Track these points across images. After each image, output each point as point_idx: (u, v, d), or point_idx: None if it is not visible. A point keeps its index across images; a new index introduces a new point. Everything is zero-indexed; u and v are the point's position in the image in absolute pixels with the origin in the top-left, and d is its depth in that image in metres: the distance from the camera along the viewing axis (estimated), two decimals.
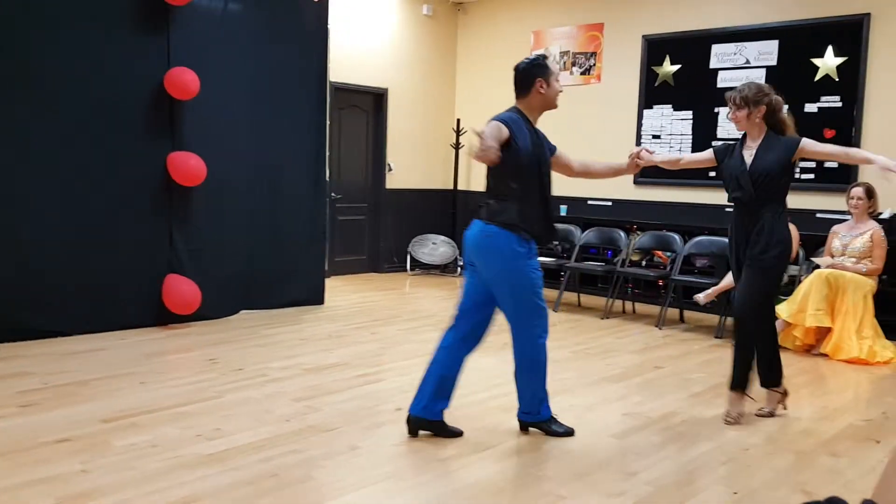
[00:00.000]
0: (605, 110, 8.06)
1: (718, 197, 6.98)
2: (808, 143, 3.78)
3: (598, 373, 4.82)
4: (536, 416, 3.59)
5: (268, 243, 6.36)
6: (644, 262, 7.29)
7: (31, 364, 4.51)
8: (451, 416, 3.83)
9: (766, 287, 3.83)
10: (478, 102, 9.28)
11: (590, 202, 8.19)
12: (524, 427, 3.62)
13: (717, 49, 7.27)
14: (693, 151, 7.39)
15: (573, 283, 7.60)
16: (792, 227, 5.99)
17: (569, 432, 3.60)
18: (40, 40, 5.00)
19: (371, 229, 8.97)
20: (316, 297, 6.76)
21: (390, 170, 8.96)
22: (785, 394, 4.06)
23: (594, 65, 8.21)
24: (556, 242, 7.78)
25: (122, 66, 5.37)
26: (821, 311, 5.44)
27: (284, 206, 6.45)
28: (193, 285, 5.66)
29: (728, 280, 5.70)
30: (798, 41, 6.79)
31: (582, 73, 8.31)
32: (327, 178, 7.17)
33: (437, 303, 7.23)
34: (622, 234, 7.24)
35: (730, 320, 4.23)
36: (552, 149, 3.63)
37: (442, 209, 9.44)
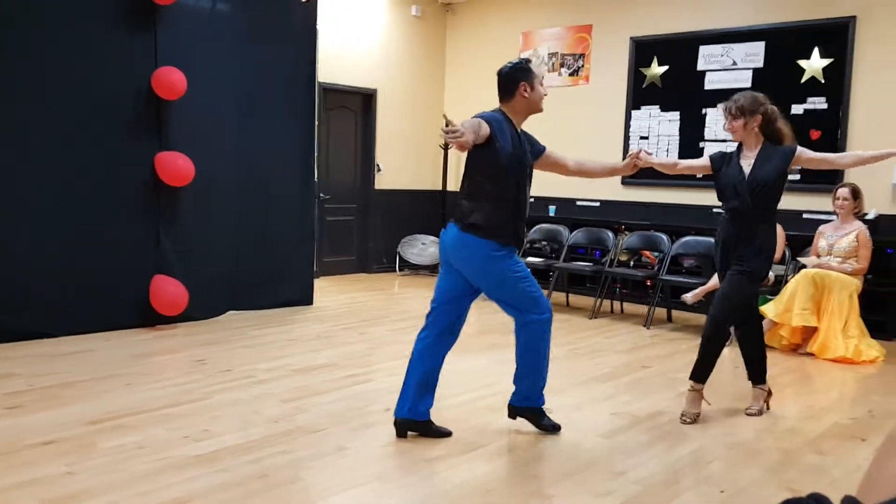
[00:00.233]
0: (593, 111, 8.08)
1: (705, 197, 7.02)
2: (804, 152, 3.79)
3: (586, 372, 4.83)
4: (534, 403, 3.58)
5: (256, 244, 6.34)
6: (632, 263, 7.31)
7: (17, 365, 4.48)
8: (438, 417, 3.83)
9: (751, 292, 3.90)
10: (467, 103, 9.27)
11: (578, 202, 8.21)
12: (513, 414, 3.62)
13: (704, 51, 7.31)
14: (680, 152, 7.44)
15: (562, 283, 7.62)
16: (778, 228, 6.08)
17: (555, 427, 3.61)
18: (25, 40, 4.97)
19: (360, 230, 8.96)
20: (304, 298, 6.75)
21: (379, 170, 8.95)
22: (769, 393, 4.10)
23: (582, 66, 8.23)
24: (545, 243, 7.80)
25: (109, 66, 5.34)
26: (807, 311, 5.48)
27: (273, 206, 6.43)
28: (181, 286, 5.64)
29: (715, 281, 5.73)
30: (784, 43, 6.84)
31: (570, 75, 8.34)
32: (316, 179, 7.16)
33: (427, 303, 7.18)
34: (610, 234, 7.26)
35: None
36: (541, 150, 3.62)
37: (431, 210, 9.43)
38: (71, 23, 5.14)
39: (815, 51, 6.66)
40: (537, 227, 7.68)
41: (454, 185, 9.47)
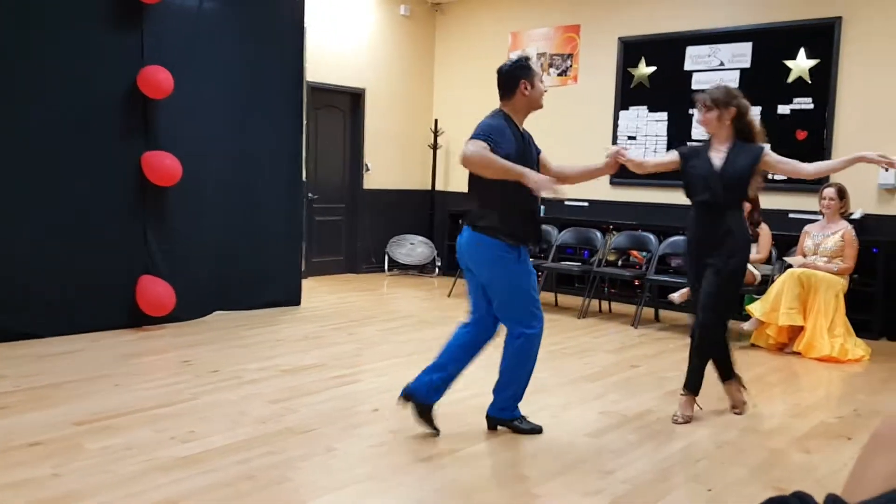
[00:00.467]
0: (581, 111, 8.10)
1: None
2: (772, 155, 3.78)
3: (574, 372, 4.84)
4: (509, 414, 3.60)
5: (243, 244, 6.31)
6: (620, 262, 7.34)
7: (3, 366, 4.44)
8: None
9: (733, 291, 3.90)
10: (455, 103, 9.29)
11: (566, 203, 8.22)
12: (492, 425, 3.62)
13: (691, 51, 7.34)
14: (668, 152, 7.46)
15: (550, 283, 7.64)
16: (764, 227, 6.13)
17: (535, 429, 3.61)
18: (10, 40, 4.93)
19: (348, 230, 8.95)
20: (292, 298, 6.73)
21: (368, 170, 8.94)
22: (742, 384, 4.09)
23: (571, 66, 8.25)
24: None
25: (95, 66, 5.30)
26: (793, 310, 5.52)
27: (260, 206, 6.40)
28: (168, 286, 5.61)
29: None
30: (771, 43, 6.88)
31: (559, 75, 8.35)
32: (304, 178, 7.14)
33: (415, 303, 7.23)
34: (598, 234, 7.29)
35: None
36: (537, 153, 3.63)
37: (420, 209, 9.43)
38: (55, 23, 5.10)
39: (802, 51, 6.71)
40: None
41: (443, 184, 9.48)
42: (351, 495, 2.87)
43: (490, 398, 3.64)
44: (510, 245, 3.38)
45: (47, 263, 5.15)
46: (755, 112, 3.95)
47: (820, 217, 5.91)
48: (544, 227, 7.60)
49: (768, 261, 6.20)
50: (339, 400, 4.05)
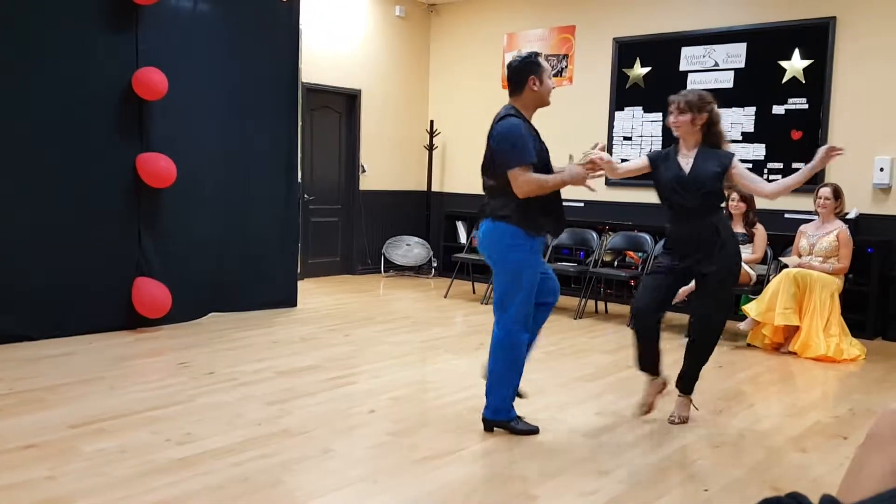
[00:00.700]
0: (576, 112, 8.10)
1: None
2: (738, 167, 3.72)
3: (571, 372, 4.84)
4: (505, 416, 3.60)
5: (239, 245, 6.30)
6: (616, 263, 7.34)
7: None
8: (425, 417, 3.84)
9: (730, 294, 3.90)
10: (451, 104, 9.29)
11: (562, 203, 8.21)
12: (489, 427, 3.62)
13: (686, 52, 7.35)
14: None
15: None
16: (759, 227, 6.14)
17: (533, 430, 3.61)
18: (4, 41, 4.92)
19: (345, 231, 8.94)
20: (288, 300, 6.72)
21: (364, 171, 8.93)
22: (666, 384, 3.95)
23: (566, 67, 8.26)
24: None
25: (90, 67, 5.29)
26: (789, 310, 5.52)
27: (256, 207, 6.40)
28: (164, 288, 5.60)
29: None
30: (766, 44, 6.89)
31: (554, 75, 8.30)
32: (300, 180, 7.12)
33: (412, 304, 7.22)
34: (594, 234, 7.29)
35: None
36: None
37: (416, 211, 9.43)
38: (49, 24, 5.09)
39: (796, 51, 6.72)
40: None
41: (439, 185, 9.48)
42: (347, 497, 2.87)
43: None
44: (526, 234, 3.43)
45: (42, 265, 5.13)
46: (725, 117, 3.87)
47: (815, 217, 5.92)
48: None
49: (764, 261, 6.21)
50: (336, 401, 4.04)
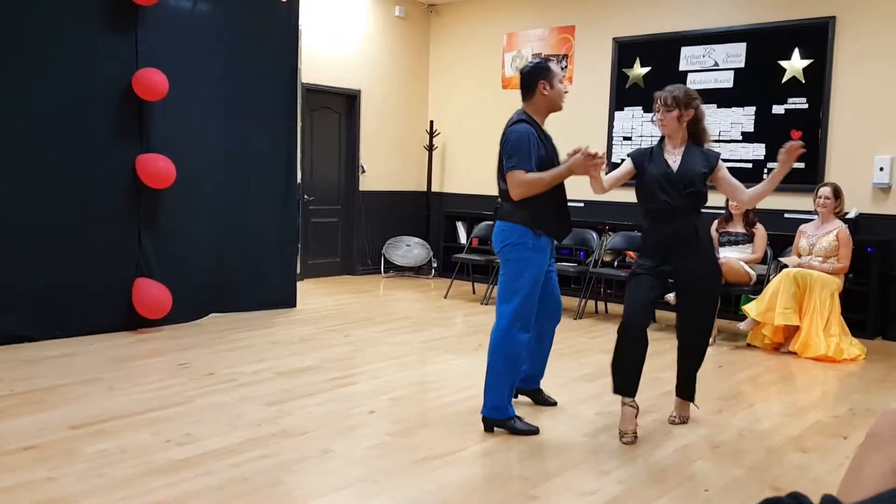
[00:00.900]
0: (576, 112, 8.07)
1: None
2: (723, 168, 3.71)
3: (570, 372, 4.84)
4: (503, 414, 3.59)
5: (239, 246, 6.30)
6: (616, 263, 7.34)
7: None
8: (425, 417, 3.84)
9: (717, 296, 3.93)
10: (451, 104, 9.29)
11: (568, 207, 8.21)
12: (488, 426, 3.62)
13: (686, 51, 7.35)
14: None
15: None
16: (759, 227, 6.14)
17: (532, 430, 3.61)
18: (4, 42, 4.92)
19: (344, 231, 8.94)
20: (288, 300, 6.72)
21: (363, 171, 8.93)
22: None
23: (566, 67, 8.26)
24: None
25: (90, 67, 5.29)
26: (789, 310, 5.52)
27: (256, 207, 6.40)
28: (164, 289, 5.60)
29: None
30: (765, 44, 6.89)
31: None
32: (300, 180, 7.12)
33: (412, 305, 7.22)
34: (594, 234, 7.29)
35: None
36: None
37: (416, 211, 9.43)
38: (50, 25, 5.09)
39: (796, 51, 6.72)
40: None
41: (438, 186, 9.48)
42: (347, 497, 2.87)
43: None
44: (534, 233, 3.51)
45: (42, 265, 5.14)
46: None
47: (815, 217, 5.92)
48: None
49: (764, 261, 6.21)
50: (335, 402, 4.04)
